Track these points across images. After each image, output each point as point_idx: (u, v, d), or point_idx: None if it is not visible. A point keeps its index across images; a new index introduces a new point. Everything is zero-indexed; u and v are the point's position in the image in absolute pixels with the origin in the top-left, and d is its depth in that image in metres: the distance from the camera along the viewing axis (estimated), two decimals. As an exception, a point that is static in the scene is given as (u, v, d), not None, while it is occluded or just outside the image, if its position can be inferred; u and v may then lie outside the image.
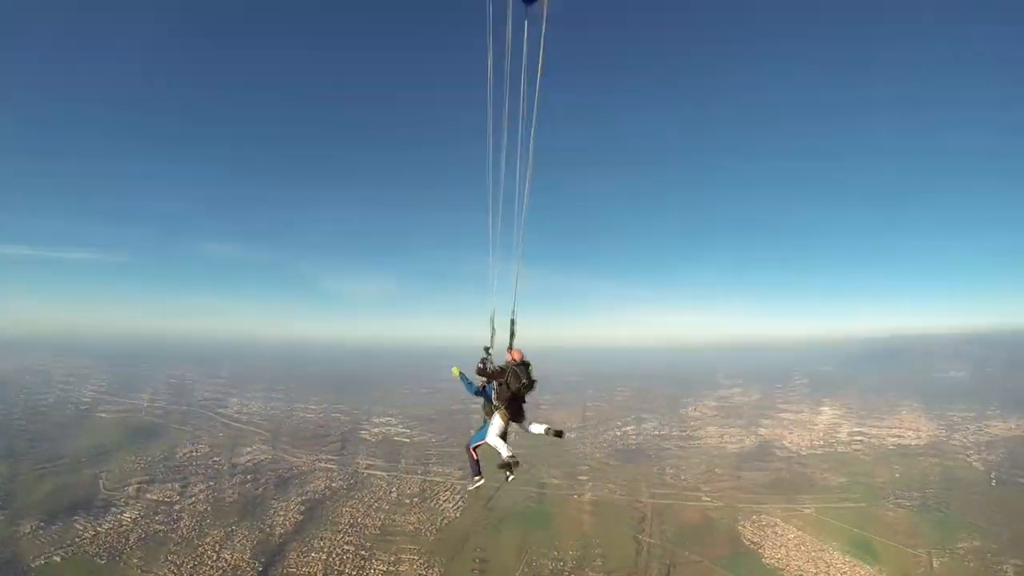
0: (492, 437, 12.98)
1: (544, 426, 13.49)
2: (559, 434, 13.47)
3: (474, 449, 13.54)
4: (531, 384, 12.76)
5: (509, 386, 12.60)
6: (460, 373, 13.76)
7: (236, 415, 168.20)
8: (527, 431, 13.48)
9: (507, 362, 12.81)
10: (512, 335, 12.73)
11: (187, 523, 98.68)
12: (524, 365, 12.75)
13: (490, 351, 12.91)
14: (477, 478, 13.68)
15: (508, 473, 13.06)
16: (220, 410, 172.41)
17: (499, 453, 12.87)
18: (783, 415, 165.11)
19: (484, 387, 13.54)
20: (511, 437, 13.61)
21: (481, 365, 12.92)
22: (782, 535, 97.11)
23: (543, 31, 9.52)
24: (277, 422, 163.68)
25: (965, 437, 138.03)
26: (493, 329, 12.69)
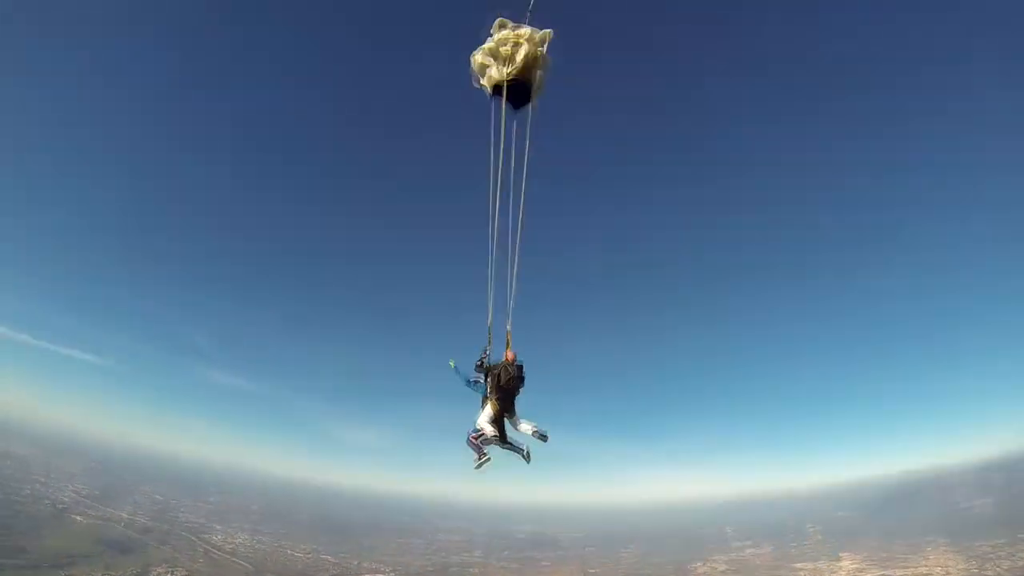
0: (481, 421, 14.07)
1: (532, 427, 14.25)
2: (544, 438, 14.15)
3: (474, 438, 14.13)
4: (521, 379, 14.02)
5: (500, 378, 13.87)
6: (455, 366, 14.92)
7: (219, 545, 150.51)
8: (515, 428, 14.35)
9: (502, 361, 14.27)
10: (507, 343, 14.34)
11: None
12: (516, 365, 14.11)
13: (488, 351, 14.42)
14: (483, 457, 14.05)
15: (524, 456, 14.26)
16: (203, 538, 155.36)
17: (485, 433, 13.98)
18: (800, 572, 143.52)
19: (479, 381, 14.60)
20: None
21: (479, 361, 14.41)
22: None
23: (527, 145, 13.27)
24: (261, 560, 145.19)
25: (999, 568, 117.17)
26: (490, 333, 14.39)
